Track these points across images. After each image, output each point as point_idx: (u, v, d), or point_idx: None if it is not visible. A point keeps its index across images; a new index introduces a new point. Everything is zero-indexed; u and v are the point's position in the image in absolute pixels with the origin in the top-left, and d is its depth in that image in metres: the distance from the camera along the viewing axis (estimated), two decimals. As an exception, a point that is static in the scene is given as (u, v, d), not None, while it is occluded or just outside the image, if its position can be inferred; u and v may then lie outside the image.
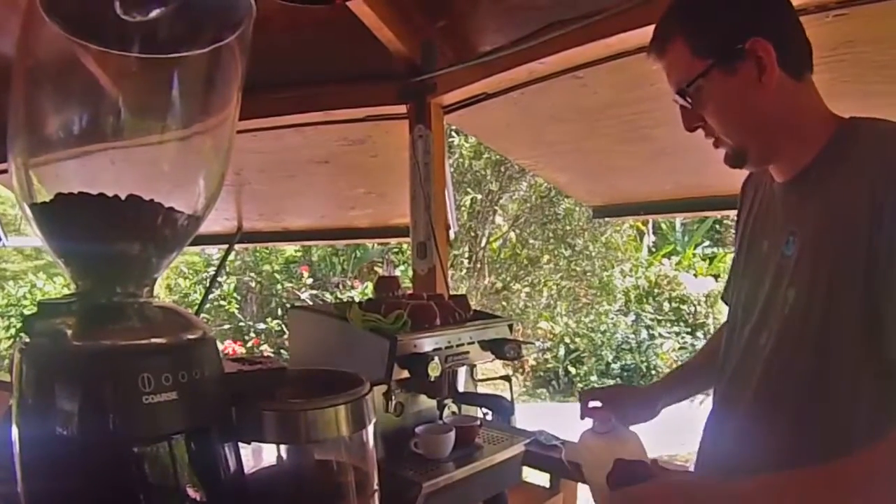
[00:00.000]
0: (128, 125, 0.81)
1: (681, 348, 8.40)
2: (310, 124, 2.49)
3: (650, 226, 10.53)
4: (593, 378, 8.34)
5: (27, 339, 0.77)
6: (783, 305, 0.89)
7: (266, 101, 2.29)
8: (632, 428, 1.04)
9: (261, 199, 3.26)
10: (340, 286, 9.45)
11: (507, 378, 1.69)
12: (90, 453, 0.72)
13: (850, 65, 1.67)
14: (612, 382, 7.96)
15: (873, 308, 0.79)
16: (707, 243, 10.66)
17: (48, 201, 0.76)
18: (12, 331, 8.59)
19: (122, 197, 0.76)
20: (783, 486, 0.75)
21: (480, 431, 1.45)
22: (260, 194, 3.19)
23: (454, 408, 1.48)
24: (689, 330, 8.69)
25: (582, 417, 1.08)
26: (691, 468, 1.23)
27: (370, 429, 0.96)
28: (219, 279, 8.44)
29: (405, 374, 1.24)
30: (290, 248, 9.19)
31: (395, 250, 9.57)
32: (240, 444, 0.88)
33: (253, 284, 9.48)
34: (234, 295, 9.07)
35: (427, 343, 1.28)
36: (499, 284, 9.70)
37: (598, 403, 1.12)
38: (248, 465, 0.91)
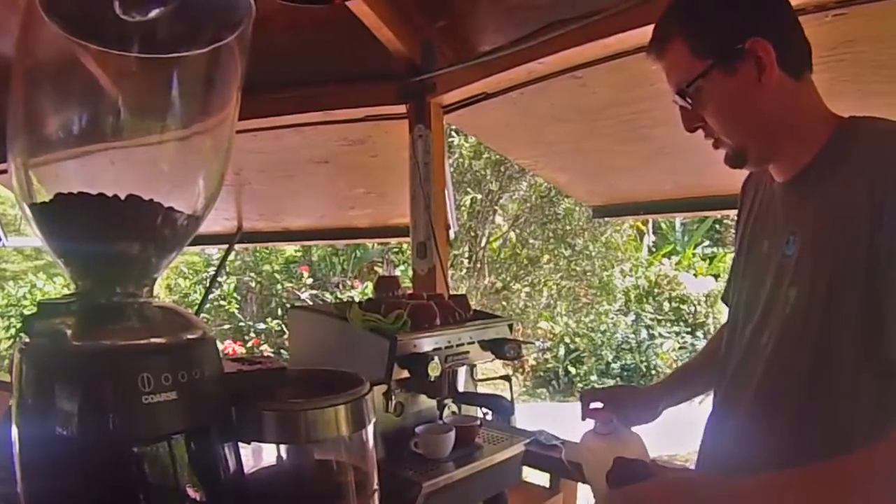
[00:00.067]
0: (127, 125, 0.81)
1: (681, 348, 8.40)
2: (309, 124, 2.49)
3: (650, 226, 10.52)
4: (593, 378, 8.34)
5: (27, 339, 0.76)
6: (784, 305, 0.89)
7: (266, 101, 2.29)
8: (633, 429, 1.04)
9: (261, 199, 3.26)
10: (340, 286, 9.45)
11: (507, 378, 1.69)
12: (90, 453, 0.72)
13: (849, 64, 1.67)
14: (612, 382, 7.96)
15: (874, 307, 0.79)
16: (707, 243, 10.66)
17: (48, 201, 0.76)
18: (12, 331, 8.59)
19: (122, 197, 0.76)
20: (783, 484, 0.75)
21: (480, 431, 1.45)
22: (260, 194, 3.19)
23: (454, 408, 1.48)
24: (689, 330, 8.69)
25: (583, 418, 1.08)
26: (692, 467, 1.22)
27: (370, 429, 0.95)
28: (219, 279, 8.44)
29: (405, 373, 1.24)
30: (290, 248, 9.19)
31: (395, 250, 9.57)
32: (240, 444, 0.87)
33: (253, 284, 9.47)
34: (234, 295, 9.07)
35: (427, 343, 1.28)
36: (499, 284, 9.70)
37: (599, 404, 1.12)
38: (248, 465, 0.91)
